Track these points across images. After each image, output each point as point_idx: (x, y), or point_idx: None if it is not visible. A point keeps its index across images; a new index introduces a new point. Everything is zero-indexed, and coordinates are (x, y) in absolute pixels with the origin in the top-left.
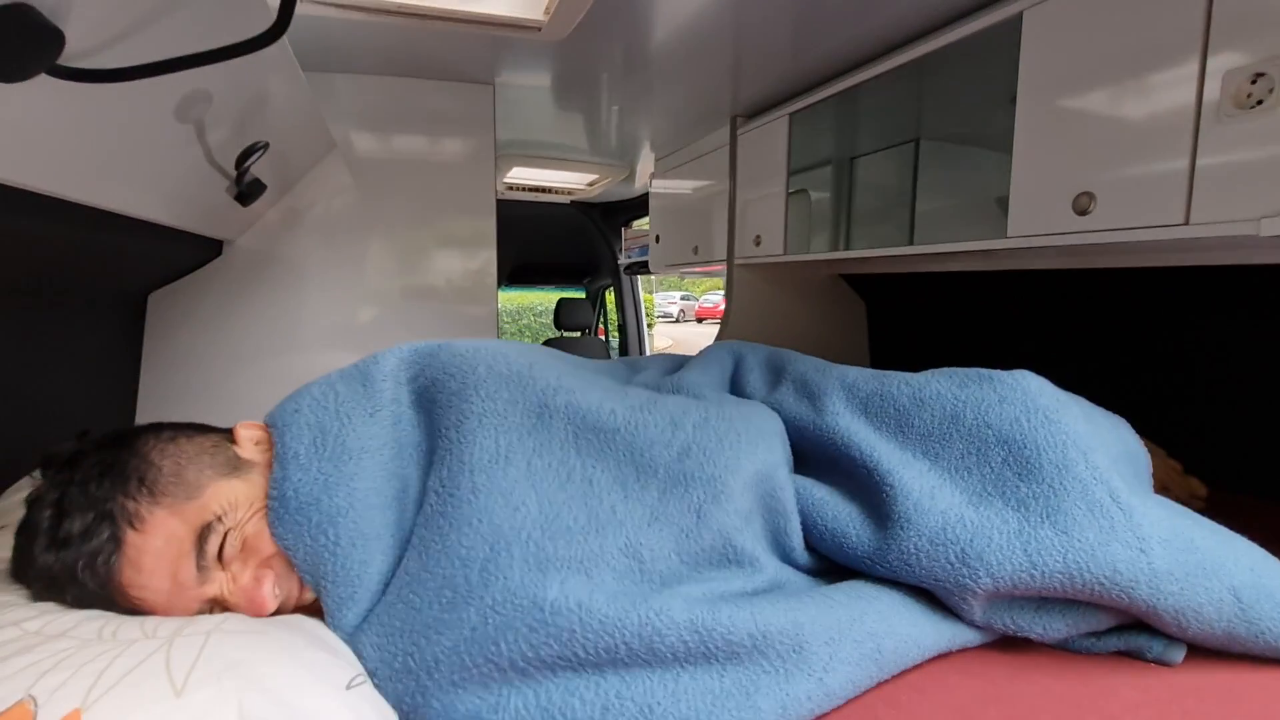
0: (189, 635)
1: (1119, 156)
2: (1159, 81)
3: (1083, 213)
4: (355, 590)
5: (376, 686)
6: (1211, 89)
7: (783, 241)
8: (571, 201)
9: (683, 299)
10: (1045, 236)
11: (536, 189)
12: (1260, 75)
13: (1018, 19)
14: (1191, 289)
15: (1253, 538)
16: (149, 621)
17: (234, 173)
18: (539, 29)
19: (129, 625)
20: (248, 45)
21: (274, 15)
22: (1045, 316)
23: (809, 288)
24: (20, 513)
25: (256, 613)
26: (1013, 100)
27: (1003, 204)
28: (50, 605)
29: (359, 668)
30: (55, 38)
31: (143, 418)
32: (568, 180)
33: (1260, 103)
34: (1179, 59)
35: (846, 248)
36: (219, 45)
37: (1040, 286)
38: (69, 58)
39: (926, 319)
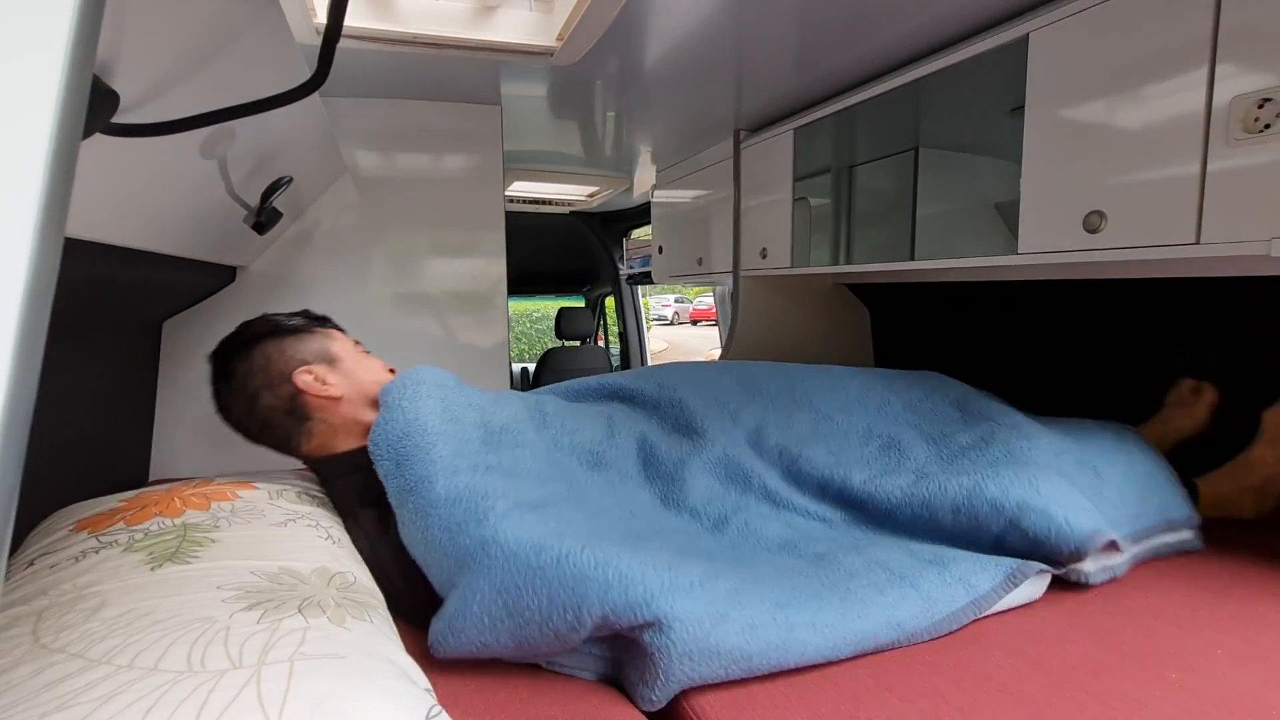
0: (274, 664)
1: (1128, 176)
2: (1166, 104)
3: (1093, 231)
4: None
5: None
6: (1219, 113)
7: (790, 254)
8: (571, 212)
9: (677, 302)
10: (1056, 254)
11: (537, 201)
12: (1267, 100)
13: (1024, 40)
14: (1197, 298)
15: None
16: (233, 643)
17: (255, 205)
18: (551, 54)
19: (214, 649)
20: (290, 95)
21: (302, 61)
22: (1049, 323)
23: (813, 297)
24: (53, 556)
25: None
26: (1012, 110)
27: (1001, 209)
28: (134, 635)
29: (434, 698)
30: (110, 98)
31: (160, 443)
32: (568, 192)
33: (1268, 126)
34: (1186, 83)
35: (849, 256)
36: (251, 89)
37: (1044, 294)
38: (120, 113)
39: (930, 326)
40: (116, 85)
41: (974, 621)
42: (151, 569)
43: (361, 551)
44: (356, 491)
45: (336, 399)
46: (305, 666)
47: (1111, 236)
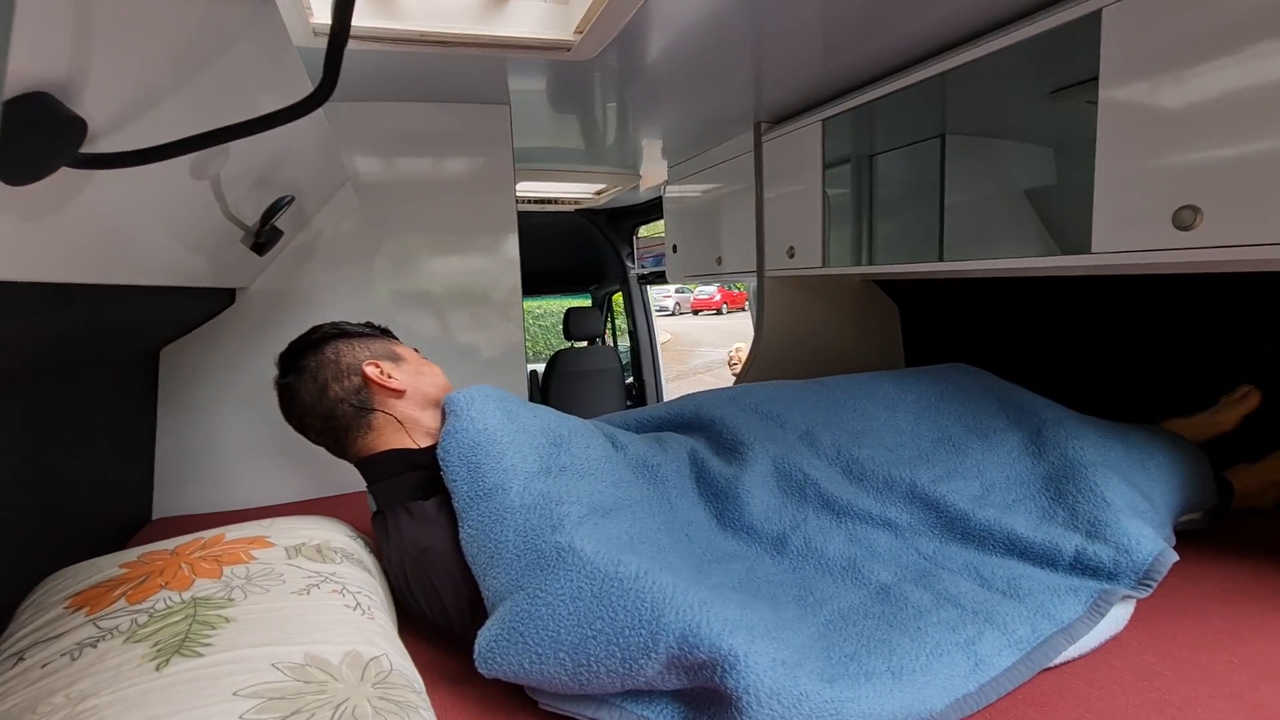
0: None
1: (1229, 166)
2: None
3: (1185, 228)
4: None
5: None
6: None
7: (820, 253)
8: (577, 210)
9: (677, 292)
10: (1139, 254)
11: (542, 201)
12: None
13: (1095, 16)
14: (1247, 295)
15: None
16: None
17: (254, 225)
18: (568, 49)
19: None
20: (292, 111)
21: (300, 66)
22: (1082, 318)
23: (841, 294)
24: (45, 649)
25: None
26: (1053, 92)
27: (1032, 196)
28: None
29: None
30: (76, 126)
31: (161, 469)
32: (574, 190)
33: None
34: None
35: (872, 247)
36: (246, 101)
37: (1075, 288)
38: (90, 141)
39: (961, 321)
40: (82, 109)
41: (1087, 683)
42: (157, 667)
43: (399, 549)
44: (413, 485)
45: (399, 391)
46: None
47: (1208, 235)
